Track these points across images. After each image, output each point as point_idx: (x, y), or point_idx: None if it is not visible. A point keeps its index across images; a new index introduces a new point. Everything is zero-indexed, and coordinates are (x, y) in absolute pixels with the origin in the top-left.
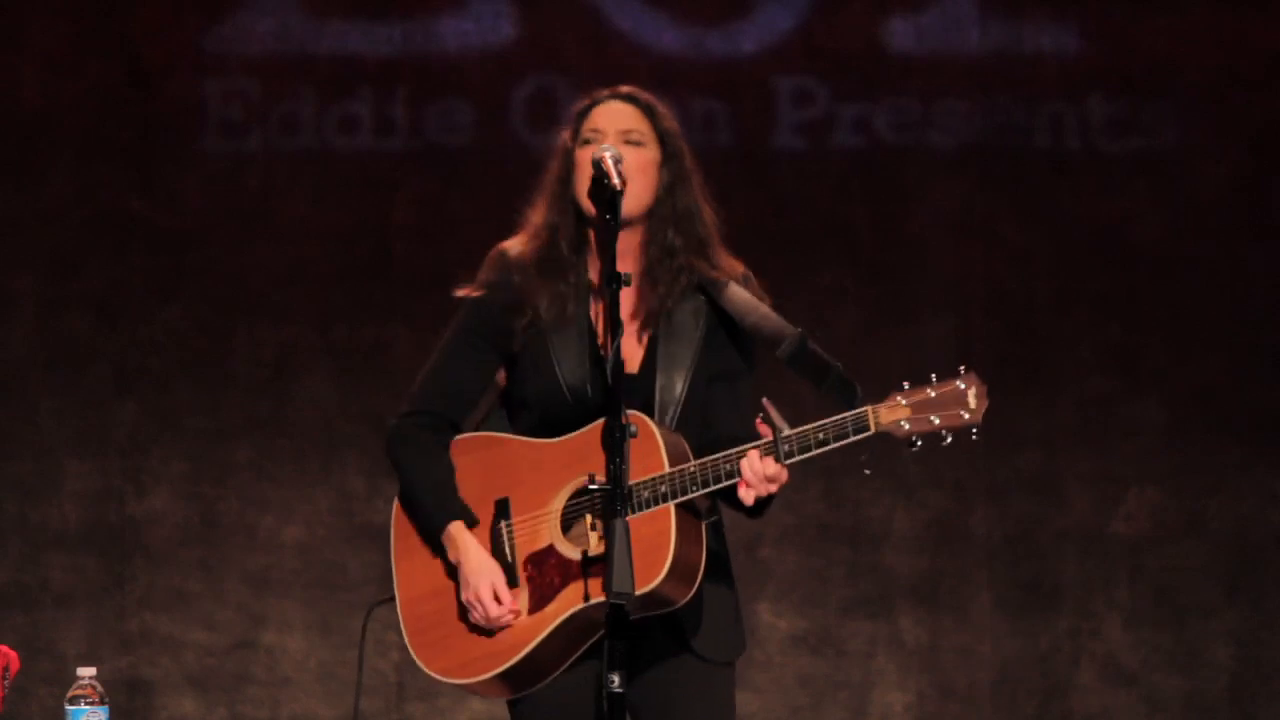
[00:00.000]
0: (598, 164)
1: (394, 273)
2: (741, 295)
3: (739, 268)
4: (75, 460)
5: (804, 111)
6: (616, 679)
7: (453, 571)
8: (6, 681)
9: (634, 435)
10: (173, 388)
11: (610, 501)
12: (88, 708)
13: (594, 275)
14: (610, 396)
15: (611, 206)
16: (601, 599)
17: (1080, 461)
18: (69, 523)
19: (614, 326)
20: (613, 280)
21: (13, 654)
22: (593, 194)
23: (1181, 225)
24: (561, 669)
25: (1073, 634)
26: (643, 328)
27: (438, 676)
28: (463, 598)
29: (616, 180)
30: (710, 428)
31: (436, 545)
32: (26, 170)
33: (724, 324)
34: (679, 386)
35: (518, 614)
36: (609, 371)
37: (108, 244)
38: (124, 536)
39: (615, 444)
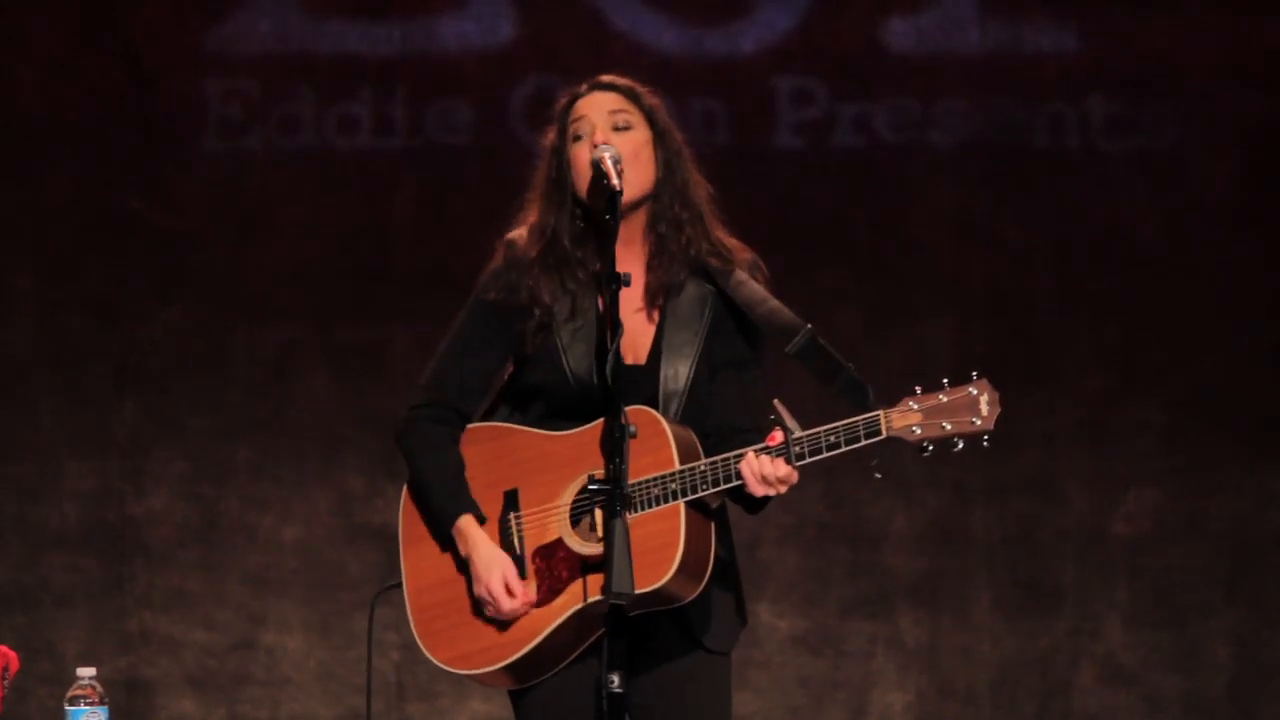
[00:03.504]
0: (597, 164)
1: (394, 273)
2: (750, 286)
3: (746, 253)
4: (75, 460)
5: (804, 111)
6: (616, 679)
7: (462, 562)
8: (6, 681)
9: (634, 435)
10: (173, 388)
11: (610, 501)
12: (87, 708)
13: (599, 268)
14: (610, 396)
15: (611, 207)
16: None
17: (1080, 461)
18: (69, 523)
19: (614, 327)
20: (613, 280)
21: (12, 654)
22: (592, 193)
23: (1181, 225)
24: (568, 661)
25: (1072, 634)
26: (651, 308)
27: (444, 666)
28: (475, 593)
29: (616, 181)
30: (713, 415)
31: (446, 536)
32: (26, 170)
33: (731, 312)
34: (684, 376)
35: (532, 604)
36: (609, 371)
37: (108, 244)
38: (124, 536)
39: (615, 443)
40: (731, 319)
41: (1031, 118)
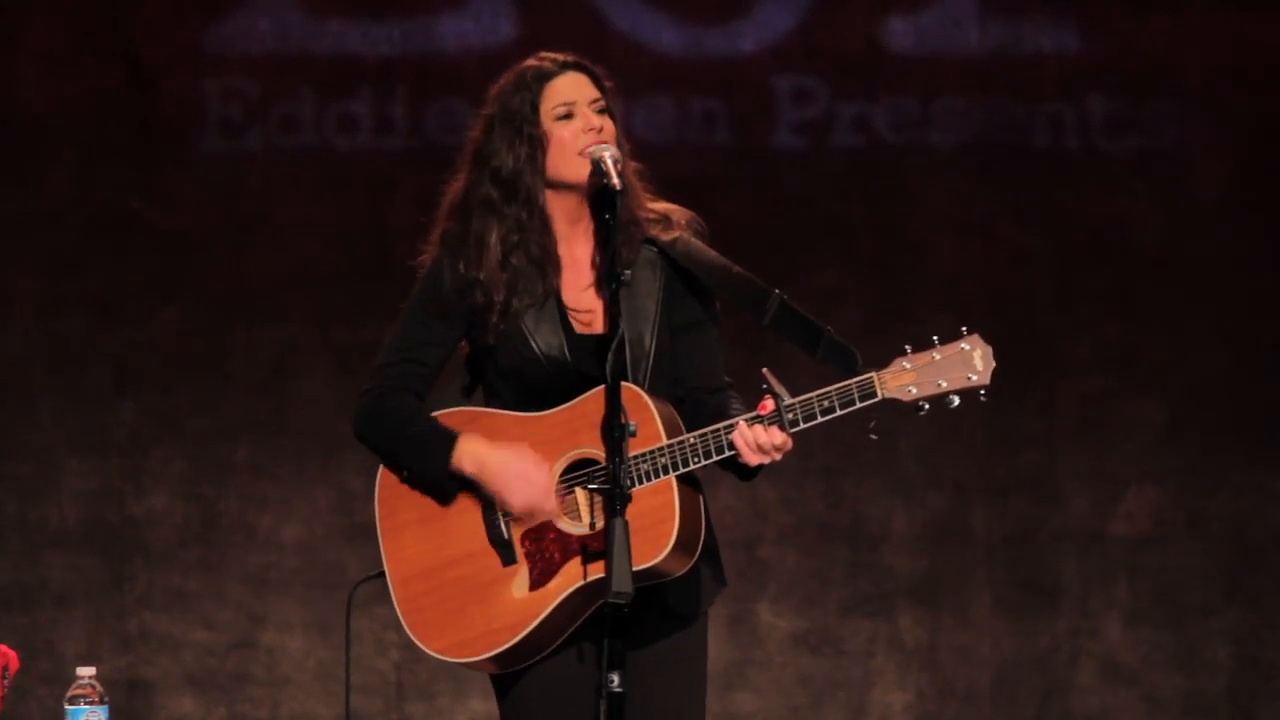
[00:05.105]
0: (598, 164)
1: (394, 273)
2: (706, 254)
3: (685, 214)
4: (75, 460)
5: (803, 111)
6: (616, 679)
7: (443, 546)
8: (6, 681)
9: (633, 435)
10: (173, 388)
11: (610, 500)
12: (87, 708)
13: (555, 244)
14: (610, 396)
15: (611, 207)
16: (604, 575)
17: (1080, 461)
18: (69, 523)
19: (615, 327)
20: (612, 280)
21: (12, 654)
22: (591, 192)
23: (1181, 225)
24: (557, 643)
25: (1072, 634)
26: (603, 285)
27: (437, 656)
28: (515, 510)
29: (617, 181)
30: (678, 381)
31: (434, 495)
32: (26, 170)
33: (680, 275)
34: (648, 340)
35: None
36: (609, 371)
37: (108, 244)
38: (124, 536)
39: (615, 444)
40: (682, 281)
41: (1031, 117)
